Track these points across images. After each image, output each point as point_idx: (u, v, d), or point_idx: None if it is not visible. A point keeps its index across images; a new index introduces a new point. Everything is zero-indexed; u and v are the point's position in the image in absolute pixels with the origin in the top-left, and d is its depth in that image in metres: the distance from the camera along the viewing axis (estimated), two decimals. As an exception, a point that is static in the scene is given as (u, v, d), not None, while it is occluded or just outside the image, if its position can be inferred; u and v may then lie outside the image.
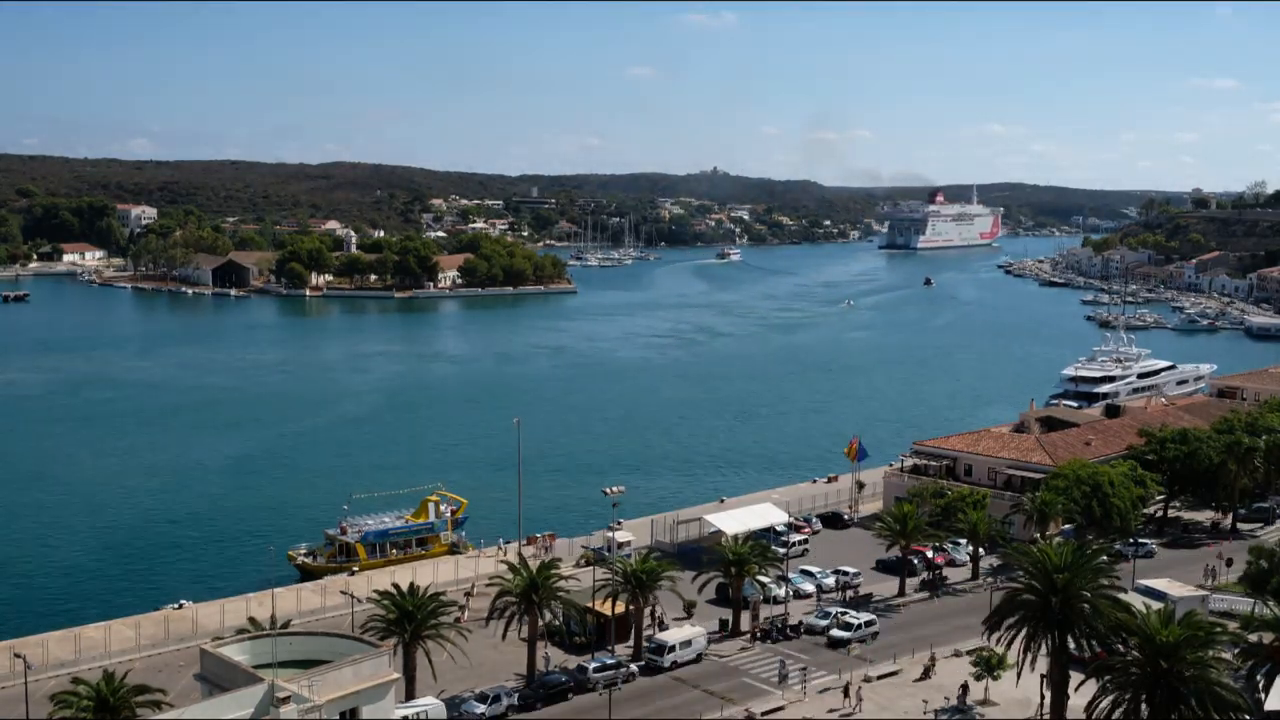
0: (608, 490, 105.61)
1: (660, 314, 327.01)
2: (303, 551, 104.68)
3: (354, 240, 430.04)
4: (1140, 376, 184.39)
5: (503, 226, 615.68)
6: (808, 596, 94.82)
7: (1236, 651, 68.78)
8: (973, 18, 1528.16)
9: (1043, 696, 71.04)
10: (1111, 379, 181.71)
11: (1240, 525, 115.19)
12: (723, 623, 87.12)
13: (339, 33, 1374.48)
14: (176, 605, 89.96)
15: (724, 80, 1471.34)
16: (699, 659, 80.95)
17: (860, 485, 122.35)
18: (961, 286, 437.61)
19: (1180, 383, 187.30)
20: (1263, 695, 63.90)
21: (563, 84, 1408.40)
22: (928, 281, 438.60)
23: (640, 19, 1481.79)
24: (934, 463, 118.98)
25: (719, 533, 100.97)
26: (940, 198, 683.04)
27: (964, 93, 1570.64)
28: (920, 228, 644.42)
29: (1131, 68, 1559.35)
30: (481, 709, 71.31)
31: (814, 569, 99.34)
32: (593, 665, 77.03)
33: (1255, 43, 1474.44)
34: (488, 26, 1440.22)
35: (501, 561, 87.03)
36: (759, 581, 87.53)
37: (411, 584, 75.50)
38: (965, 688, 73.94)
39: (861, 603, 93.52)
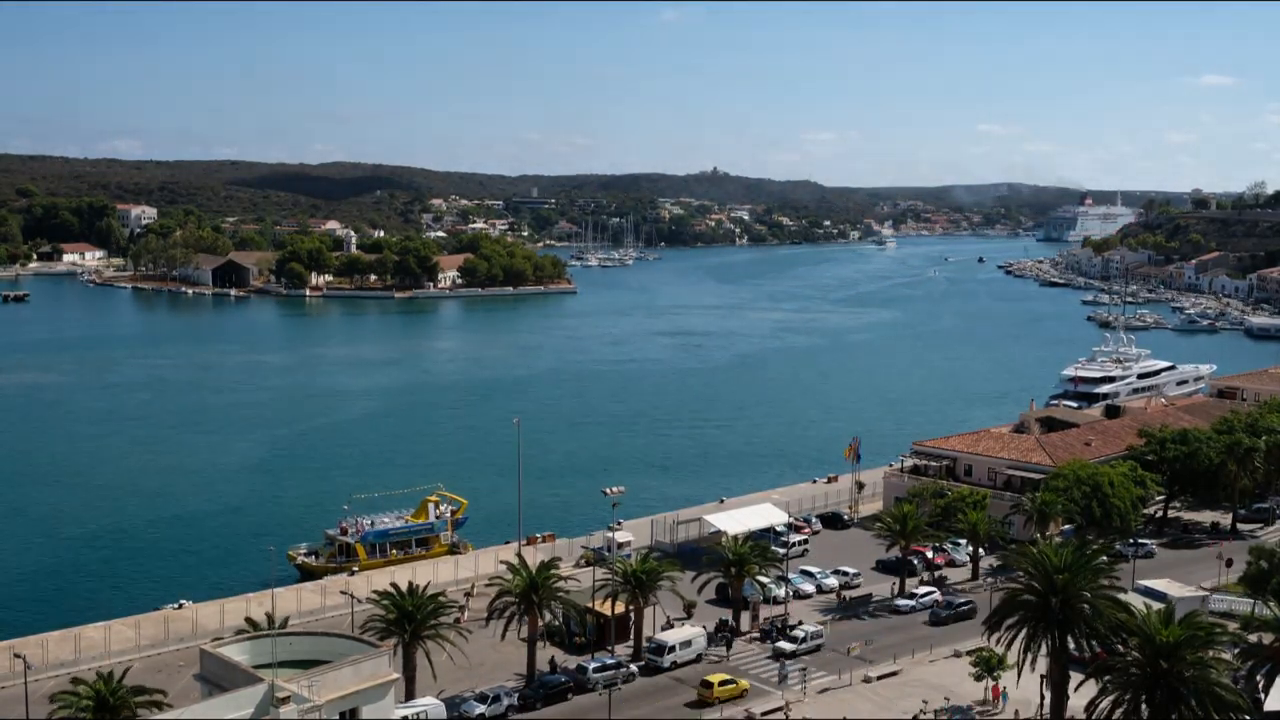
0: (608, 490, 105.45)
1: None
2: (303, 551, 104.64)
3: (354, 240, 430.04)
4: (1140, 377, 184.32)
5: (503, 226, 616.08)
6: (808, 597, 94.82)
7: (1236, 651, 68.73)
8: (969, 18, 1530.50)
9: (1042, 696, 71.02)
10: (1111, 379, 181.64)
11: (1240, 525, 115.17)
12: (722, 622, 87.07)
13: (339, 33, 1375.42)
14: (176, 605, 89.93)
15: (702, 77, 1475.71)
16: (699, 659, 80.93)
17: (860, 485, 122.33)
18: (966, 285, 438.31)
19: (1180, 383, 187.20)
20: (1263, 695, 63.91)
21: (536, 81, 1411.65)
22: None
23: (610, 15, 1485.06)
24: (934, 463, 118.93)
25: (719, 533, 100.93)
26: (1089, 201, 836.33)
27: (959, 92, 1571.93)
28: (1071, 224, 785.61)
29: (1124, 66, 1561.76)
30: (481, 709, 71.31)
31: (814, 569, 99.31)
32: (593, 665, 77.01)
33: (1247, 39, 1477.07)
34: (471, 27, 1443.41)
35: (501, 561, 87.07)
36: (759, 581, 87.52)
37: (411, 584, 75.47)
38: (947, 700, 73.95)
39: (861, 603, 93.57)
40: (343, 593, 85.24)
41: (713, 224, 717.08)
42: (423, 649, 71.65)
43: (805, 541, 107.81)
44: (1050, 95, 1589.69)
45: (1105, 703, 60.86)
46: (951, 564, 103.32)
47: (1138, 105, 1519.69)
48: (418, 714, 67.60)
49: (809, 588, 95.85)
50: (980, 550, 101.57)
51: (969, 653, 77.11)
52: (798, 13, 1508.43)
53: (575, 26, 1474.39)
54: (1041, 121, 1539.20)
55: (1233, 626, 72.67)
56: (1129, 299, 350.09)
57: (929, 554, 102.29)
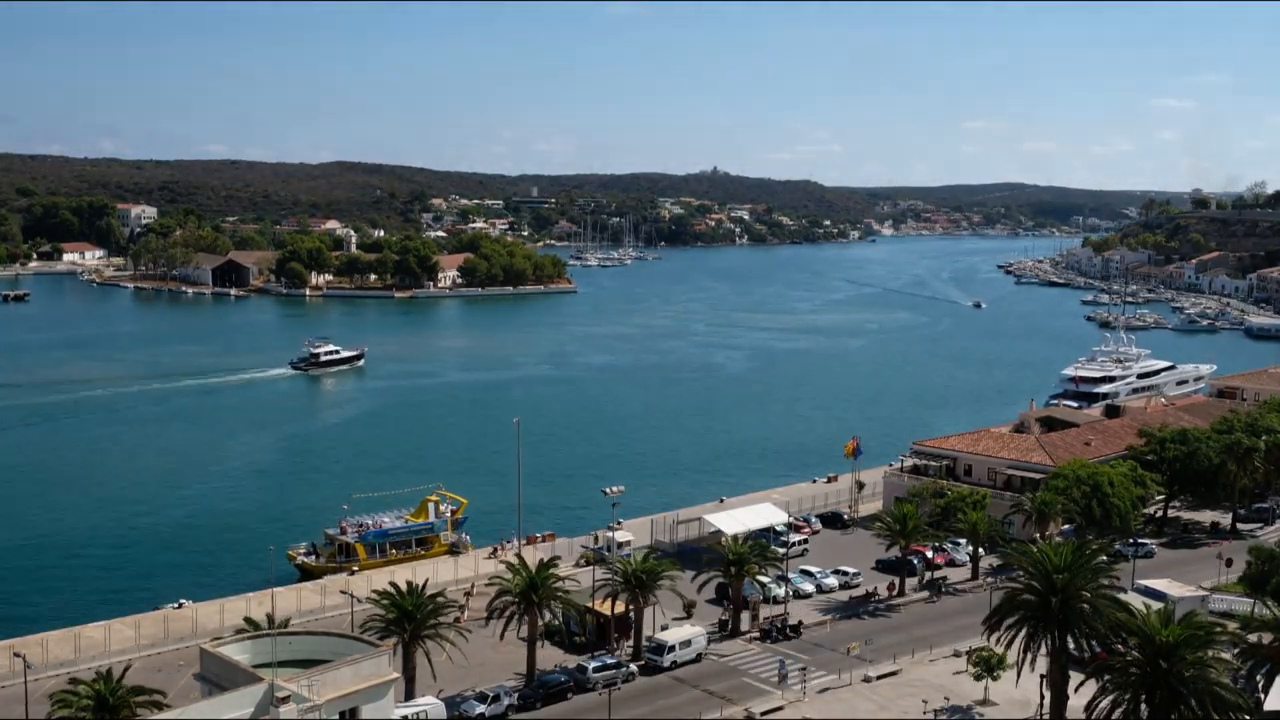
0: (608, 490, 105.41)
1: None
2: (303, 551, 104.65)
3: (354, 240, 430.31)
4: (1140, 377, 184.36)
5: (503, 226, 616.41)
6: (808, 596, 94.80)
7: (1236, 651, 68.69)
8: (966, 16, 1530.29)
9: (1042, 696, 70.98)
10: (1111, 379, 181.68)
11: (1240, 525, 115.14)
12: (723, 623, 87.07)
13: (339, 33, 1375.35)
14: (176, 605, 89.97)
15: (700, 76, 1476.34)
16: (699, 659, 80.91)
17: (860, 485, 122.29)
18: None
19: (1180, 383, 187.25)
20: (1263, 695, 63.86)
21: (537, 81, 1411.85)
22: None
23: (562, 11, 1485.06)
24: (934, 463, 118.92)
25: (719, 533, 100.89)
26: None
27: (954, 91, 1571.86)
28: None
29: (1121, 65, 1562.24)
30: (481, 709, 71.31)
31: (814, 569, 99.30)
32: (593, 665, 77.01)
33: (1245, 39, 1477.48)
34: (470, 27, 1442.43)
35: (501, 561, 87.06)
36: (759, 581, 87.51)
37: (410, 584, 75.47)
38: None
39: (861, 602, 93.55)
40: (343, 592, 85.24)
41: (713, 224, 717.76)
42: (422, 649, 71.64)
43: (805, 541, 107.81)
44: (1049, 94, 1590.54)
45: (1105, 703, 60.85)
46: (951, 564, 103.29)
47: (1135, 104, 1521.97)
48: (418, 714, 67.59)
49: (809, 587, 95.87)
50: (980, 550, 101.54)
51: (969, 652, 77.10)
52: (795, 10, 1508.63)
53: (541, 23, 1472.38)
54: (1040, 120, 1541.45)
55: (1232, 626, 72.60)
56: (1129, 299, 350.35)
57: (929, 554, 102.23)
